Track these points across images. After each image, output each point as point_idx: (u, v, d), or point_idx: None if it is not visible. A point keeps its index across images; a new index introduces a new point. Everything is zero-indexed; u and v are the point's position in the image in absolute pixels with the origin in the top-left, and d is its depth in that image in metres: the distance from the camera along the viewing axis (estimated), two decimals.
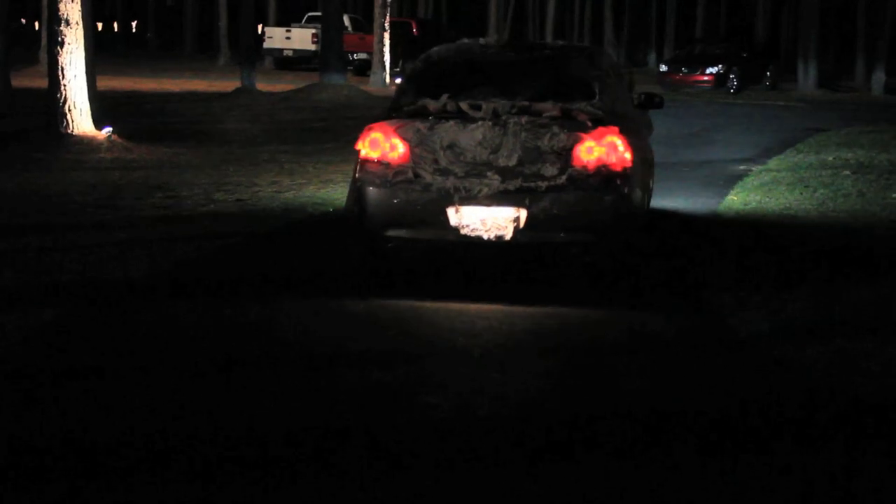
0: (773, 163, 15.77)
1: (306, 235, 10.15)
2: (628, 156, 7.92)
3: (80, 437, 4.99)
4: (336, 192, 12.28)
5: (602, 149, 7.84)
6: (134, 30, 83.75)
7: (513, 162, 7.84)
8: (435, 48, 9.18)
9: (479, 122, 7.95)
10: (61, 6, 15.15)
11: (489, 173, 7.83)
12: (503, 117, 7.97)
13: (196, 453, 4.83)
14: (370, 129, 8.12)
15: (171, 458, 4.77)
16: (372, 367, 6.05)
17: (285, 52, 41.38)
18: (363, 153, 8.07)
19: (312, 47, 39.06)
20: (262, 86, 28.47)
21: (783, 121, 23.70)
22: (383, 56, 31.83)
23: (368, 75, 33.13)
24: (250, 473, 4.63)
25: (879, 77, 35.59)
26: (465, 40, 9.26)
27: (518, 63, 8.77)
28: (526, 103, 8.09)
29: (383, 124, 8.13)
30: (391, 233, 7.97)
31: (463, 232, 7.84)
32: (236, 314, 7.17)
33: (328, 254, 9.22)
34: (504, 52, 8.96)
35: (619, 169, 7.85)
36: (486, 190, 7.78)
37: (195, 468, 4.68)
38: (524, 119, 7.94)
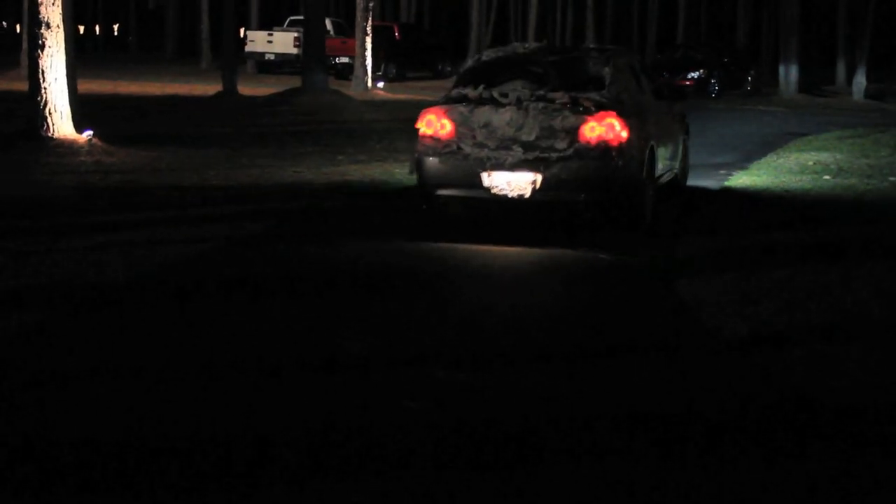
0: (753, 167, 15.83)
1: (301, 234, 10.22)
2: (624, 134, 9.98)
3: (76, 438, 4.98)
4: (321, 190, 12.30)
5: (602, 128, 9.94)
6: (115, 33, 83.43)
7: (532, 138, 10.00)
8: (485, 50, 11.58)
9: (507, 107, 10.13)
10: (42, 9, 15.09)
11: (513, 146, 10.03)
12: (525, 103, 10.09)
13: (193, 451, 4.84)
14: (426, 112, 10.40)
15: (167, 458, 4.78)
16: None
17: (267, 56, 41.28)
18: (421, 130, 10.36)
19: (294, 51, 38.96)
20: (244, 89, 28.39)
21: (764, 125, 23.78)
22: (365, 60, 31.75)
23: (350, 79, 33.08)
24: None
25: (860, 82, 35.73)
26: (515, 43, 12.00)
27: (547, 62, 10.81)
28: (542, 92, 10.18)
29: (436, 108, 10.43)
30: (441, 192, 10.36)
31: (493, 191, 10.10)
32: (227, 314, 7.20)
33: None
34: (538, 52, 11.17)
35: (615, 144, 9.94)
36: (510, 159, 10.00)
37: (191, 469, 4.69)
38: (542, 104, 10.05)
